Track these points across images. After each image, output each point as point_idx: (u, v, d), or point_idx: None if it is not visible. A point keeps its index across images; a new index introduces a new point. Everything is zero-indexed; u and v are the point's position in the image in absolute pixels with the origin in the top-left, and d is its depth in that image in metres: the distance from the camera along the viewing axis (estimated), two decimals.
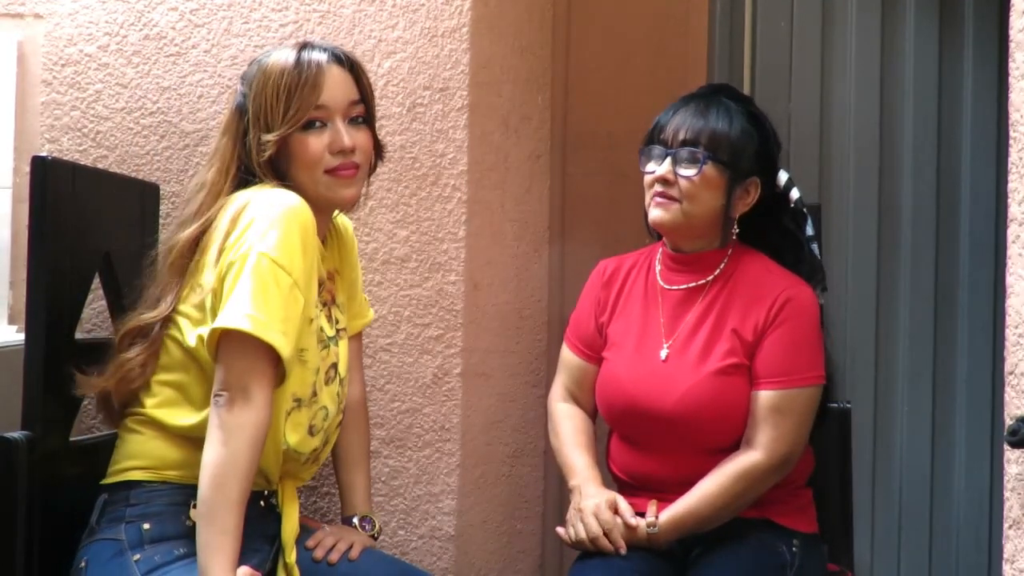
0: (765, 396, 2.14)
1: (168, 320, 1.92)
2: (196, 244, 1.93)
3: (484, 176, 2.52)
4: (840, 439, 2.40)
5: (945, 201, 3.10)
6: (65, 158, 2.40)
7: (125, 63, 2.52)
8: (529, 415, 2.67)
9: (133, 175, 2.47)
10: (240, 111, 1.99)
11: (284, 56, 1.97)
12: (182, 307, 1.92)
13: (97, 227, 2.13)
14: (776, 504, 2.19)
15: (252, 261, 1.81)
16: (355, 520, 2.15)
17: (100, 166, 2.48)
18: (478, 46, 2.48)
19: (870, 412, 3.10)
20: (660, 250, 2.30)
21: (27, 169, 2.11)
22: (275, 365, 1.83)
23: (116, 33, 2.52)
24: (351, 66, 2.01)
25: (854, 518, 2.42)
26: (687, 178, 2.15)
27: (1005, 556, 1.50)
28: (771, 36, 3.08)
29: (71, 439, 2.02)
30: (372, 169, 2.08)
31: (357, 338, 2.25)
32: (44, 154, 2.05)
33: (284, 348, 1.81)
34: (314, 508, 2.49)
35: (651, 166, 2.20)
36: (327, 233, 2.10)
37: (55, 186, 1.98)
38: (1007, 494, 1.49)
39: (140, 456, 1.91)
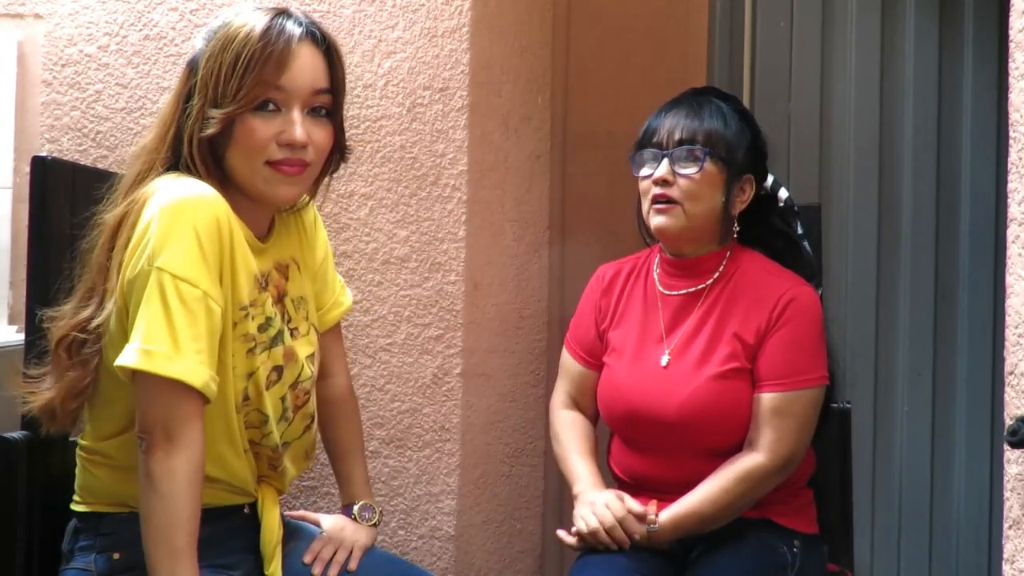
0: (767, 398, 2.13)
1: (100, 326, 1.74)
2: (118, 229, 1.73)
3: (484, 176, 2.52)
4: (840, 439, 2.40)
5: (945, 201, 3.10)
6: (65, 158, 2.40)
7: (125, 63, 2.52)
8: (529, 415, 2.67)
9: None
10: (192, 68, 1.76)
11: (253, 20, 1.73)
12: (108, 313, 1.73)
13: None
14: (776, 504, 2.19)
15: (151, 280, 1.64)
16: (354, 509, 2.07)
17: (100, 166, 2.48)
18: (478, 46, 2.48)
19: (870, 412, 3.10)
20: (658, 255, 2.29)
21: (27, 169, 2.11)
22: (196, 393, 1.67)
23: (116, 33, 2.52)
24: (327, 48, 1.79)
25: (854, 518, 2.42)
26: (688, 176, 2.15)
27: (1005, 556, 1.50)
28: (771, 36, 3.08)
29: (71, 439, 2.02)
30: (331, 169, 1.88)
31: (336, 329, 2.12)
32: (44, 154, 2.05)
33: (194, 376, 1.65)
34: (314, 508, 2.48)
35: (646, 170, 2.19)
36: (272, 224, 1.89)
37: (55, 186, 1.98)
38: (1007, 494, 1.49)
39: (99, 492, 1.82)
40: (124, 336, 1.70)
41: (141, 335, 1.65)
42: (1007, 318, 1.51)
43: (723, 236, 2.22)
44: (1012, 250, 1.50)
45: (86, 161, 2.50)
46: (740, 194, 2.21)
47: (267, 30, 1.73)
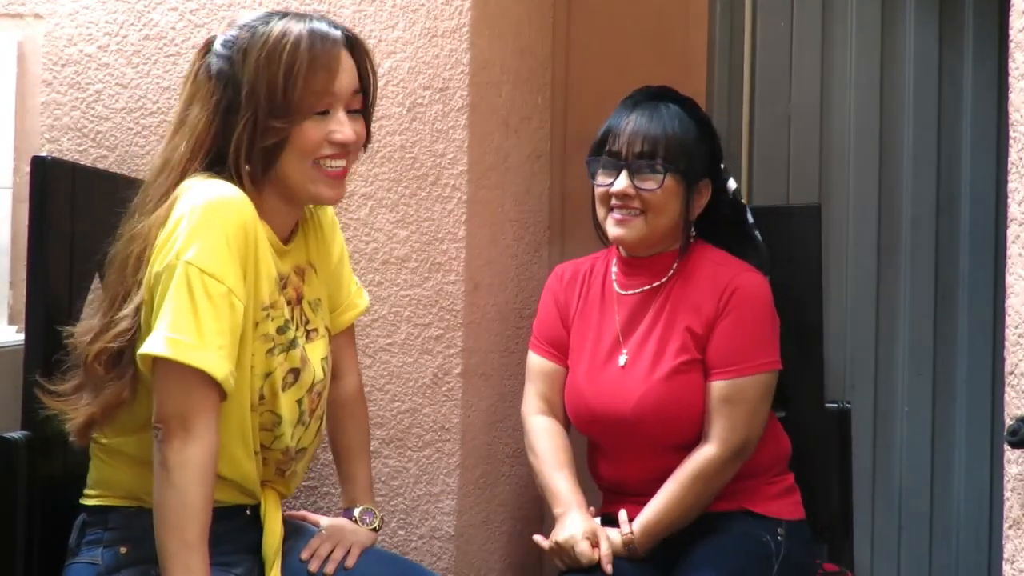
0: (716, 387, 2.14)
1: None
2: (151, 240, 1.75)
3: (484, 176, 2.52)
4: (840, 439, 2.40)
5: (945, 201, 3.10)
6: (65, 158, 2.40)
7: (125, 63, 2.52)
8: None
9: (133, 175, 2.47)
10: (224, 81, 1.78)
11: (291, 28, 1.78)
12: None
13: (97, 227, 2.13)
14: (750, 493, 2.20)
15: (178, 272, 1.67)
16: (355, 512, 2.07)
17: (100, 166, 2.48)
18: (478, 46, 2.48)
19: (870, 412, 3.10)
20: (615, 256, 2.30)
21: (27, 169, 2.11)
22: (215, 386, 1.69)
23: (116, 33, 2.52)
24: (361, 51, 1.86)
25: (854, 518, 2.42)
26: (649, 191, 2.15)
27: (1005, 556, 1.50)
28: (771, 36, 3.08)
29: (71, 438, 2.02)
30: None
31: (349, 331, 2.14)
32: (44, 154, 2.06)
33: (217, 368, 1.68)
34: (314, 508, 2.48)
35: (603, 178, 2.19)
36: (296, 227, 1.94)
37: (55, 186, 1.98)
38: (1007, 494, 1.49)
39: (114, 485, 1.84)
40: (149, 329, 1.71)
41: (167, 324, 1.67)
42: (1007, 318, 1.51)
43: (683, 238, 2.22)
44: (1012, 250, 1.50)
45: (86, 161, 2.50)
46: (698, 199, 2.22)
47: (312, 37, 1.78)
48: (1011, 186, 1.51)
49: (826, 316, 2.36)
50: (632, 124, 2.17)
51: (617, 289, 2.27)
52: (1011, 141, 1.52)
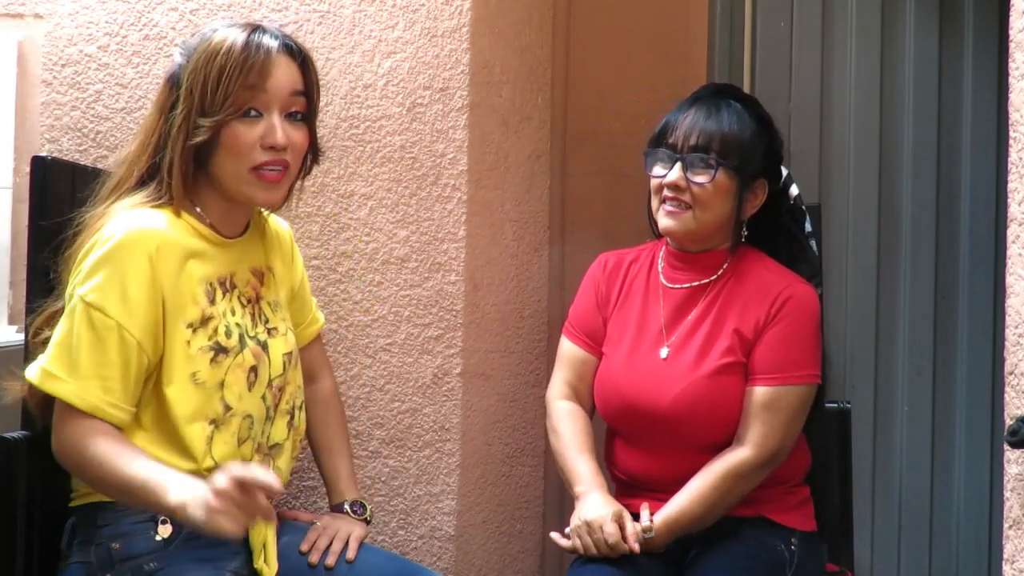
0: (758, 392, 2.14)
1: None
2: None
3: (484, 176, 2.52)
4: (840, 439, 2.40)
5: (945, 201, 3.10)
6: (65, 158, 2.40)
7: (125, 63, 2.52)
8: (529, 415, 2.67)
9: None
10: (173, 83, 1.88)
11: (233, 35, 1.86)
12: None
13: None
14: (771, 502, 2.20)
15: (72, 304, 1.79)
16: (346, 506, 2.12)
17: (100, 166, 2.48)
18: (478, 46, 2.48)
19: (870, 412, 3.10)
20: (663, 248, 2.30)
21: (27, 169, 2.11)
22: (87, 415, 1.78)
23: (116, 33, 2.52)
24: (302, 59, 1.91)
25: (854, 518, 2.42)
26: (700, 184, 2.15)
27: (1005, 556, 1.50)
28: (771, 36, 3.08)
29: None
30: (305, 171, 1.99)
31: (316, 339, 2.23)
32: (44, 154, 2.06)
33: (81, 400, 1.76)
34: (314, 508, 2.48)
35: (658, 170, 2.19)
36: (248, 228, 1.99)
37: (55, 186, 1.98)
38: (1007, 494, 1.49)
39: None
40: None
41: (48, 354, 1.80)
42: (1007, 318, 1.51)
43: (734, 238, 2.22)
44: (1012, 250, 1.50)
45: (86, 161, 2.50)
46: (752, 199, 2.21)
47: (247, 43, 1.85)
48: (1011, 186, 1.52)
49: (826, 316, 2.36)
50: (690, 118, 2.18)
51: (664, 281, 2.27)
52: (1011, 141, 1.52)
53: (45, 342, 1.83)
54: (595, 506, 2.13)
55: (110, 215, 1.83)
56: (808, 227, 2.30)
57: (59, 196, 1.99)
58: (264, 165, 1.86)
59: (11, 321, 2.51)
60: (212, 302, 1.87)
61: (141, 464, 1.74)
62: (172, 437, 1.83)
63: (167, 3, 2.51)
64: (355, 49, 2.46)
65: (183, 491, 1.66)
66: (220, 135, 1.84)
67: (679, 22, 2.81)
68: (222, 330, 1.87)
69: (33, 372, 1.79)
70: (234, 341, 1.88)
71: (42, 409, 1.85)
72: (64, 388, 1.77)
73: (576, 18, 2.79)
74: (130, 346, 1.78)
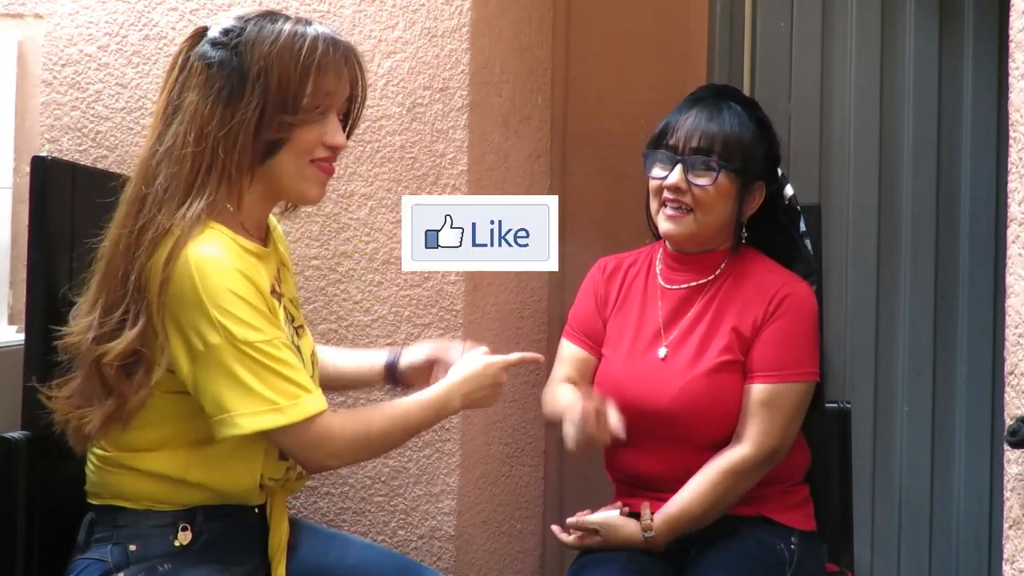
0: (757, 390, 2.15)
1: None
2: (146, 245, 1.75)
3: (484, 176, 2.52)
4: (840, 439, 2.40)
5: (945, 201, 3.10)
6: (65, 158, 2.40)
7: (125, 63, 2.52)
8: (529, 415, 2.67)
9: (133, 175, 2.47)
10: (228, 70, 1.76)
11: (303, 29, 1.79)
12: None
13: (97, 227, 2.13)
14: (771, 501, 2.20)
15: (236, 353, 1.72)
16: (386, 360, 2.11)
17: (100, 166, 2.48)
18: (478, 46, 2.48)
19: (870, 412, 3.10)
20: (661, 249, 2.30)
21: (27, 169, 2.11)
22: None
23: (116, 33, 2.52)
24: (358, 60, 1.88)
25: (854, 518, 2.42)
26: (701, 187, 2.15)
27: (1005, 556, 1.50)
28: (771, 36, 3.08)
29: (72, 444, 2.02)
30: None
31: None
32: (44, 154, 2.05)
33: (317, 405, 1.78)
34: (314, 508, 2.49)
35: (658, 171, 2.19)
36: (268, 229, 1.95)
37: (55, 186, 1.98)
38: (1007, 494, 1.49)
39: (120, 493, 1.84)
40: (176, 382, 1.76)
41: (230, 409, 1.72)
42: (1007, 318, 1.51)
43: (734, 239, 2.23)
44: (1012, 250, 1.50)
45: (86, 161, 2.50)
46: (750, 200, 2.21)
47: (327, 42, 1.80)
48: (1011, 186, 1.52)
49: (826, 316, 2.36)
50: (691, 120, 2.17)
51: (662, 283, 2.27)
52: (1011, 141, 1.52)
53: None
54: (567, 400, 2.14)
55: (180, 238, 1.73)
56: (803, 227, 2.31)
57: (59, 196, 1.98)
58: (322, 159, 1.84)
59: (11, 321, 2.51)
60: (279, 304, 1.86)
61: (404, 406, 1.87)
62: (233, 451, 1.81)
63: (167, 3, 2.51)
64: None
65: (449, 391, 1.90)
66: (293, 133, 1.79)
67: (679, 22, 2.81)
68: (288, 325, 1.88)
69: (241, 426, 1.72)
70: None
71: (102, 435, 1.81)
72: (288, 414, 1.74)
73: (576, 18, 2.79)
74: (290, 345, 1.79)
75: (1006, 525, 1.49)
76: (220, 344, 1.71)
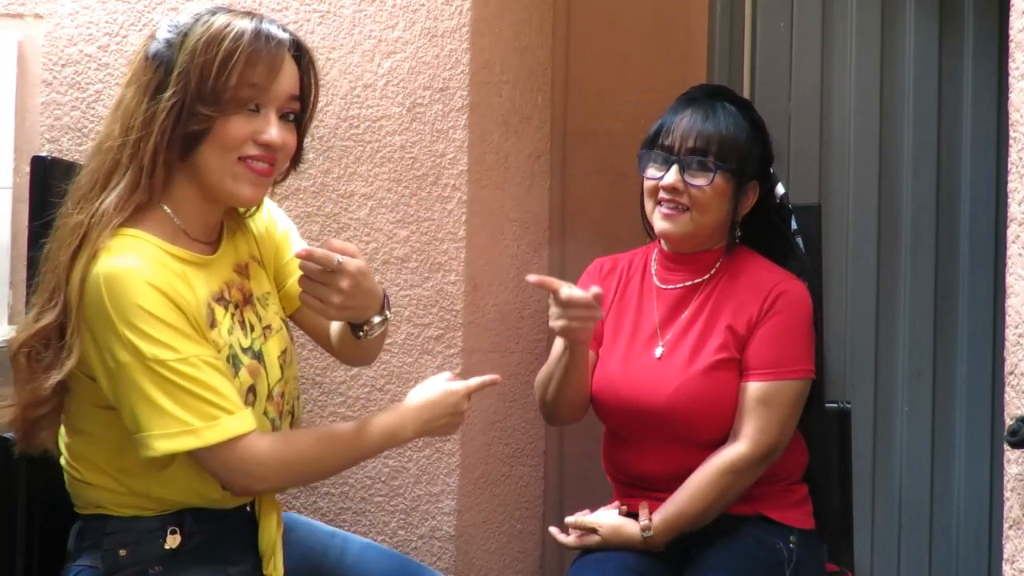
0: (753, 387, 2.15)
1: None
2: (78, 243, 1.71)
3: (484, 176, 2.52)
4: (840, 439, 2.40)
5: (945, 201, 3.11)
6: (65, 158, 2.40)
7: (125, 63, 2.52)
8: (529, 415, 2.67)
9: None
10: (160, 62, 1.73)
11: (239, 23, 1.74)
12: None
13: None
14: (769, 500, 2.20)
15: (147, 371, 1.66)
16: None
17: None
18: (478, 46, 2.48)
19: (870, 412, 3.10)
20: (656, 250, 2.30)
21: (27, 169, 2.11)
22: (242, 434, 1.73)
23: (116, 33, 2.52)
24: (306, 60, 1.82)
25: (854, 518, 2.42)
26: (698, 187, 2.15)
27: (1005, 556, 1.50)
28: (771, 36, 3.08)
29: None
30: (283, 176, 1.87)
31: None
32: (44, 154, 2.06)
33: (243, 426, 1.72)
34: (314, 508, 2.49)
35: (654, 171, 2.19)
36: (221, 232, 1.87)
37: (55, 186, 1.98)
38: (1007, 494, 1.50)
39: (100, 504, 1.82)
40: (93, 392, 1.73)
41: (145, 428, 1.68)
42: (1007, 318, 1.51)
43: (728, 238, 2.23)
44: (1012, 250, 1.50)
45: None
46: (745, 200, 2.22)
47: (258, 34, 1.74)
48: (1011, 186, 1.52)
49: (826, 316, 2.36)
50: (687, 120, 2.17)
51: (657, 283, 2.27)
52: (1011, 141, 1.52)
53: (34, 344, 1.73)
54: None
55: (101, 250, 1.69)
56: (794, 225, 2.31)
57: (59, 196, 1.98)
58: (251, 158, 1.76)
59: (11, 321, 2.51)
60: (212, 326, 1.78)
61: (342, 430, 1.82)
62: (180, 467, 1.77)
63: (167, 3, 2.51)
64: (355, 49, 2.46)
65: (403, 418, 1.83)
66: (213, 126, 1.73)
67: (679, 22, 2.81)
68: (227, 354, 1.80)
69: (155, 448, 1.68)
70: (244, 345, 1.83)
71: (22, 434, 1.78)
72: (203, 436, 1.68)
73: (576, 18, 2.79)
74: (215, 364, 1.73)
75: (1006, 525, 1.49)
76: (130, 363, 1.67)
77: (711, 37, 2.94)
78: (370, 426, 1.82)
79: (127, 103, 1.75)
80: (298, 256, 1.75)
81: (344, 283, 1.75)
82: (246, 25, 1.75)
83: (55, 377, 1.72)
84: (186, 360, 1.69)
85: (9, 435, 1.89)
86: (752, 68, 3.08)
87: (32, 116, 2.54)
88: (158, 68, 1.74)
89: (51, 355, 1.73)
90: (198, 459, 1.73)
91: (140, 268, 1.68)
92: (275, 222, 2.00)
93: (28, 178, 2.00)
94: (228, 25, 1.74)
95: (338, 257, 1.74)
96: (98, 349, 1.69)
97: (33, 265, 1.95)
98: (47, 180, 1.96)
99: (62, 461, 1.85)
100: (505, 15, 2.58)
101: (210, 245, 1.84)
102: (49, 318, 1.72)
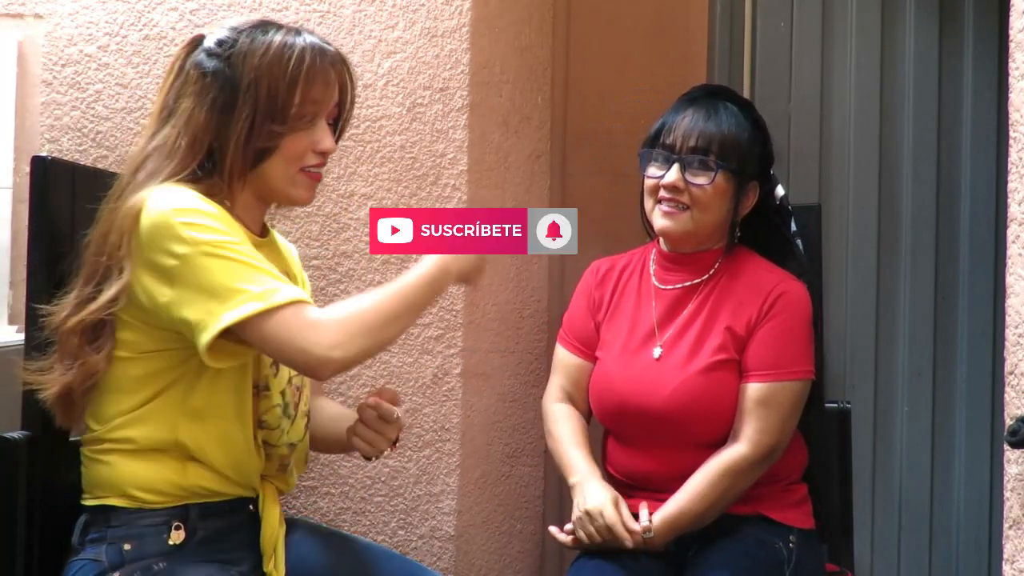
0: (753, 388, 2.15)
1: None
2: (119, 222, 1.79)
3: (484, 176, 2.52)
4: (840, 439, 2.40)
5: (945, 201, 3.10)
6: (65, 158, 2.40)
7: (125, 63, 2.52)
8: (529, 415, 2.67)
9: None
10: (221, 80, 1.82)
11: (292, 40, 1.84)
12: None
13: None
14: (769, 500, 2.20)
15: (202, 255, 1.72)
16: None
17: (100, 166, 2.48)
18: (478, 46, 2.48)
19: (870, 412, 3.10)
20: (654, 250, 2.30)
21: (27, 169, 2.11)
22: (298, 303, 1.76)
23: (116, 33, 2.52)
24: (346, 66, 1.93)
25: (854, 518, 2.42)
26: (699, 186, 2.15)
27: (1005, 556, 1.50)
28: (771, 36, 3.08)
29: (71, 439, 2.02)
30: None
31: None
32: (44, 154, 2.05)
33: (287, 295, 1.74)
34: (314, 508, 2.49)
35: (654, 170, 2.19)
36: (266, 231, 1.98)
37: (55, 186, 1.98)
38: (1007, 494, 1.50)
39: (110, 485, 1.84)
40: (146, 318, 1.77)
41: (205, 309, 1.71)
42: (1007, 318, 1.51)
43: (728, 238, 2.23)
44: (1012, 250, 1.50)
45: (86, 161, 2.50)
46: (745, 200, 2.22)
47: (314, 52, 1.84)
48: (1011, 186, 1.52)
49: (826, 316, 2.36)
50: (688, 119, 2.17)
51: (655, 283, 2.27)
52: (1011, 141, 1.52)
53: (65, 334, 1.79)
54: (593, 493, 2.15)
55: (147, 195, 1.77)
56: (793, 226, 2.31)
57: (59, 196, 1.98)
58: (311, 166, 1.88)
59: (11, 321, 2.51)
60: None
61: (393, 284, 1.84)
62: (224, 430, 1.83)
63: (167, 3, 2.51)
64: (355, 49, 2.46)
65: (441, 263, 1.88)
66: (281, 143, 1.84)
67: (679, 22, 2.81)
68: None
69: (220, 323, 1.70)
70: None
71: (64, 408, 1.83)
72: (267, 299, 1.71)
73: (576, 18, 2.79)
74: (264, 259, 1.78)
75: (1006, 525, 1.49)
76: (189, 252, 1.72)
77: (711, 37, 2.94)
78: (419, 276, 1.86)
79: (192, 116, 1.83)
80: (365, 405, 1.90)
81: (394, 434, 1.93)
82: (302, 43, 1.84)
83: (112, 348, 1.79)
84: (243, 243, 1.76)
85: (10, 435, 1.89)
86: (752, 68, 3.09)
87: (32, 116, 2.54)
88: (223, 87, 1.82)
89: (105, 330, 1.79)
90: (265, 333, 1.72)
91: (195, 195, 1.78)
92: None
93: (28, 178, 2.00)
94: (287, 46, 1.83)
95: (397, 412, 1.90)
96: (153, 266, 1.74)
97: (35, 265, 1.95)
98: (47, 180, 1.96)
99: (84, 450, 1.87)
100: (505, 15, 2.58)
101: (259, 237, 1.94)
102: (106, 297, 1.77)
